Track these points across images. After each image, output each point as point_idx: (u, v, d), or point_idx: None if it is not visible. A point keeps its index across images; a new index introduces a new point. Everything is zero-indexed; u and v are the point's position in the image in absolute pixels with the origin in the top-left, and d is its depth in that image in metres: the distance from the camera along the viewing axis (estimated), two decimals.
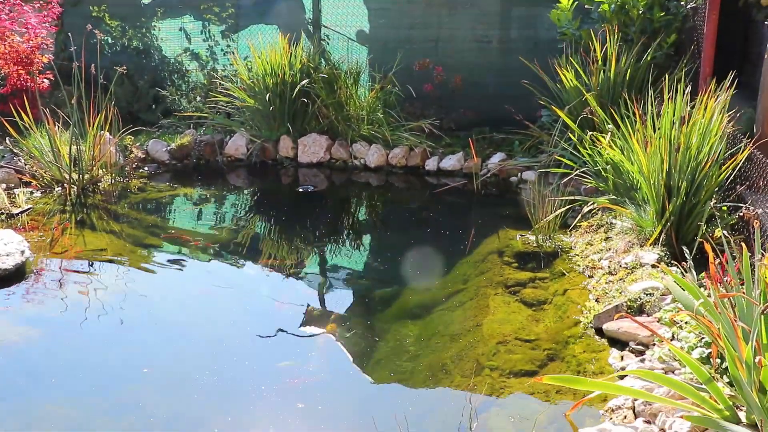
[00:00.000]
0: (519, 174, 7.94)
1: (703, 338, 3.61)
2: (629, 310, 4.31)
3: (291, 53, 8.76)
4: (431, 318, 4.87)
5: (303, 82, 8.62)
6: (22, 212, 6.82)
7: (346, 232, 7.02)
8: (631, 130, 5.52)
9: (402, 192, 8.20)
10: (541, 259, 5.72)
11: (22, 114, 7.51)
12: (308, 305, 5.16)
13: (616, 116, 6.05)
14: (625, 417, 3.29)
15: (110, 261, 5.91)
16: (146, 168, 8.45)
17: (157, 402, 3.79)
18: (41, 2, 9.25)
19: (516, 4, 9.11)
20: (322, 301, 5.35)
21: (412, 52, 9.11)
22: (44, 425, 3.57)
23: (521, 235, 6.18)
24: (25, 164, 7.65)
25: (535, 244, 6.00)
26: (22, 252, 5.49)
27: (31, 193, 7.36)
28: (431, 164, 8.46)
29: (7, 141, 7.84)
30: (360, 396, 3.95)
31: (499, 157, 8.20)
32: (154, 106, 9.67)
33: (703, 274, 4.31)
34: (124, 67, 8.28)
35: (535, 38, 8.96)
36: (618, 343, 4.16)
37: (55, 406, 3.75)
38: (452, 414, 3.63)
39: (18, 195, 7.09)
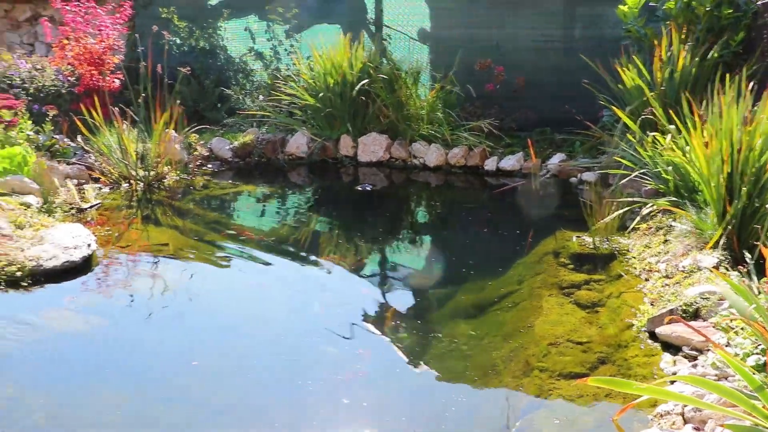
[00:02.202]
0: (579, 175, 7.85)
1: (759, 345, 3.52)
2: (684, 315, 4.23)
3: (352, 53, 8.83)
4: (484, 318, 4.87)
5: (363, 82, 8.68)
6: (90, 207, 7.04)
7: (403, 231, 7.05)
8: (692, 131, 5.41)
9: (460, 192, 8.20)
10: (597, 261, 5.65)
11: (93, 113, 7.75)
12: (364, 302, 5.21)
13: (677, 117, 5.93)
14: (673, 423, 3.24)
15: (172, 256, 6.06)
16: (209, 165, 8.62)
17: (209, 393, 3.88)
18: (114, 5, 9.54)
19: (580, 3, 9.01)
20: (377, 298, 5.39)
21: (473, 51, 9.09)
22: (101, 409, 3.69)
23: (578, 237, 6.11)
24: (95, 161, 7.89)
25: (591, 246, 5.93)
26: (89, 245, 5.68)
27: (100, 188, 7.60)
28: (490, 164, 8.43)
29: (79, 139, 8.10)
30: (408, 393, 3.98)
31: (559, 157, 8.12)
32: (218, 104, 9.87)
33: (764, 279, 4.20)
34: (188, 68, 8.48)
35: (598, 37, 8.85)
36: (671, 347, 4.10)
37: (112, 392, 3.87)
38: (499, 414, 3.63)
39: (87, 190, 7.33)
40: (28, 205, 6.50)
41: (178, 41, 10.31)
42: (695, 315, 4.23)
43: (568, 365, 4.03)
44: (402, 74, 8.86)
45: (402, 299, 5.39)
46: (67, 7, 9.11)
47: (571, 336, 4.38)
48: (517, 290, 5.26)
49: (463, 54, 8.90)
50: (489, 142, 8.54)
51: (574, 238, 6.11)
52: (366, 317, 4.95)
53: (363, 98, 8.81)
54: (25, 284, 5.17)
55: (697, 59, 6.98)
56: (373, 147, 8.84)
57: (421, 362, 4.26)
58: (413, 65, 9.04)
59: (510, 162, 8.32)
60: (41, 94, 8.68)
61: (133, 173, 7.71)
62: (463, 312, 4.99)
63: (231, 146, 8.89)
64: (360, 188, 8.15)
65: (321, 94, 8.86)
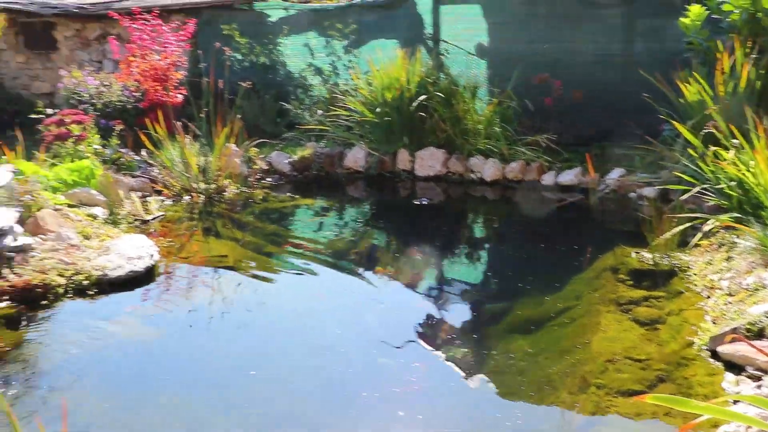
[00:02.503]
0: (638, 190, 7.72)
1: None
2: (748, 334, 4.13)
3: (409, 67, 8.87)
4: (541, 333, 4.82)
5: (421, 97, 8.71)
6: (153, 219, 7.21)
7: (460, 245, 7.04)
8: (757, 146, 5.29)
9: (517, 206, 8.15)
10: (657, 278, 5.55)
11: (157, 127, 7.94)
12: (419, 316, 5.21)
13: (741, 131, 5.81)
14: None
15: (231, 267, 6.16)
16: (269, 179, 8.73)
17: (265, 402, 3.93)
18: (178, 22, 9.77)
19: (641, 16, 8.89)
20: (433, 312, 5.39)
21: (531, 65, 9.03)
22: (160, 415, 3.77)
23: (637, 253, 6.01)
24: (158, 174, 8.07)
25: (651, 262, 5.83)
26: (152, 256, 5.81)
27: (163, 201, 7.76)
28: (548, 179, 8.35)
29: (143, 152, 8.30)
30: (463, 408, 3.96)
31: (618, 172, 8.01)
32: (278, 119, 10.00)
33: None
34: (249, 83, 8.62)
35: (658, 51, 8.71)
36: (734, 367, 4.00)
37: (171, 399, 3.95)
38: (554, 430, 3.59)
39: (151, 202, 7.50)
40: (94, 217, 6.69)
41: (239, 57, 10.50)
42: (760, 334, 4.12)
43: (626, 382, 3.97)
44: (459, 89, 8.87)
45: (458, 313, 5.38)
46: (134, 26, 9.37)
47: (630, 353, 4.32)
48: (574, 306, 5.20)
49: (520, 68, 8.86)
50: (547, 157, 8.47)
51: (633, 254, 6.01)
52: (421, 331, 4.95)
53: (420, 113, 8.83)
54: (92, 293, 5.32)
55: (762, 72, 6.82)
56: (430, 161, 8.85)
57: (477, 377, 4.24)
58: (471, 80, 9.04)
59: (568, 177, 8.24)
60: (108, 110, 8.93)
61: (195, 186, 7.86)
62: (520, 327, 4.96)
63: (290, 160, 8.99)
64: (417, 202, 8.16)
65: (378, 109, 8.92)
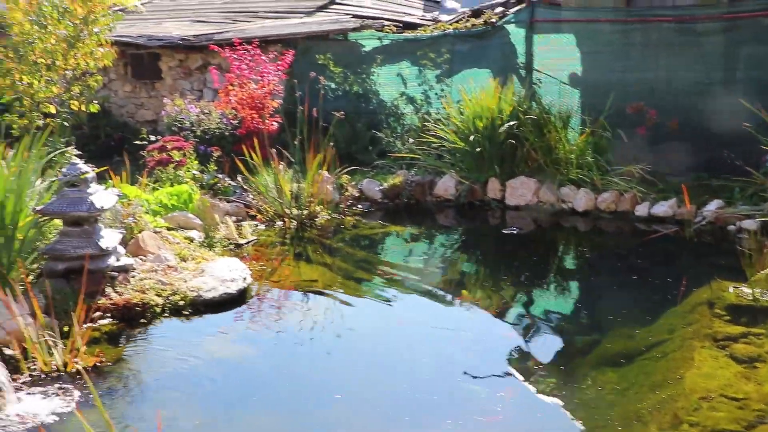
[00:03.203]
0: (737, 223, 7.45)
1: None
2: None
3: (501, 96, 8.86)
4: (632, 367, 4.70)
5: (511, 124, 8.68)
6: (247, 243, 7.39)
7: (550, 276, 6.95)
8: None
9: (610, 237, 8.00)
10: (757, 314, 5.33)
11: (253, 154, 8.16)
12: (507, 345, 5.17)
13: None
14: None
15: (321, 292, 6.25)
16: (360, 206, 8.82)
17: (349, 426, 3.97)
18: (276, 53, 10.06)
19: (743, 44, 8.64)
20: (521, 342, 5.33)
21: (625, 94, 8.88)
22: None
23: (735, 287, 5.79)
24: (253, 199, 8.28)
25: (750, 298, 5.61)
26: (245, 279, 5.97)
27: (256, 225, 7.95)
28: (642, 210, 8.16)
29: (239, 178, 8.54)
30: None
31: (716, 204, 7.76)
32: (370, 147, 10.12)
33: None
34: (342, 112, 8.78)
35: (759, 79, 8.44)
36: None
37: (257, 419, 4.05)
38: None
39: (245, 227, 7.70)
40: (191, 239, 6.92)
41: (333, 86, 10.69)
42: None
43: (722, 421, 3.83)
44: (551, 118, 8.80)
45: (546, 344, 5.30)
46: (234, 56, 9.69)
47: (726, 391, 4.16)
48: (667, 340, 5.05)
49: (614, 97, 8.72)
50: (640, 187, 8.29)
51: (731, 289, 5.80)
52: (509, 360, 4.91)
53: (511, 142, 8.79)
54: (187, 313, 5.50)
55: None
56: (521, 190, 8.78)
57: (565, 409, 4.17)
58: (563, 109, 8.96)
59: (662, 208, 8.03)
60: (207, 136, 9.24)
61: (288, 212, 8.03)
62: (609, 360, 4.85)
63: (381, 187, 9.08)
64: (507, 231, 8.11)
65: (470, 138, 8.92)
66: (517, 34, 9.84)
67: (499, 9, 11.12)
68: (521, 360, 4.95)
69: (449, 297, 6.22)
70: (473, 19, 11.09)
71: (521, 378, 4.57)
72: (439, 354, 5.03)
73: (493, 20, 10.36)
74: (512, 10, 10.50)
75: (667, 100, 8.86)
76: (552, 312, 6.03)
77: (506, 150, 8.87)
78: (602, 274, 6.99)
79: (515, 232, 8.07)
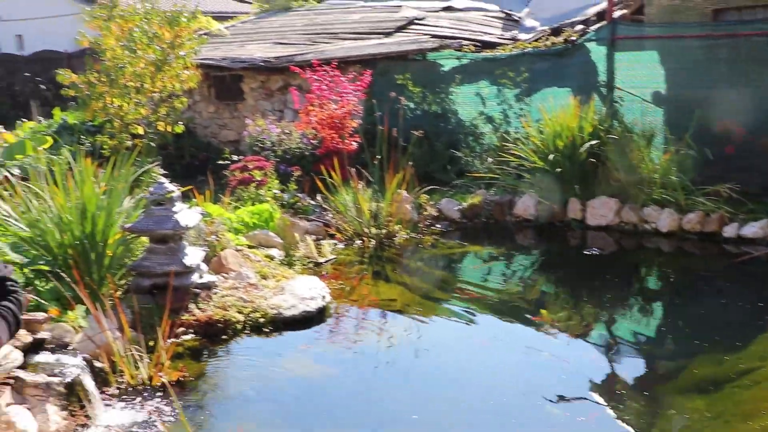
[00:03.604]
0: None
1: None
2: None
3: (582, 115, 8.74)
4: (720, 394, 4.55)
5: (592, 143, 8.55)
6: (326, 261, 7.46)
7: (632, 298, 6.79)
8: None
9: (695, 259, 7.75)
10: None
11: (332, 173, 8.25)
12: (588, 368, 5.07)
13: None
14: None
15: (399, 311, 6.25)
16: (438, 225, 8.79)
17: None
18: (355, 73, 10.17)
19: None
20: (602, 365, 5.23)
21: (711, 112, 8.61)
22: None
23: None
24: (332, 218, 8.36)
25: None
26: (324, 297, 6.02)
27: (335, 244, 8.02)
28: (730, 231, 7.89)
29: (319, 197, 8.65)
30: None
31: None
32: (448, 166, 10.10)
33: None
34: (422, 132, 8.79)
35: None
36: None
37: None
38: None
39: (324, 246, 7.77)
40: (271, 258, 7.02)
41: (412, 105, 10.71)
42: None
43: None
44: (634, 137, 8.62)
45: (629, 368, 5.18)
46: (314, 77, 9.84)
47: None
48: (759, 367, 4.87)
49: (700, 115, 8.48)
50: (728, 208, 8.02)
51: None
52: (590, 384, 4.81)
53: (592, 161, 8.65)
54: (267, 330, 5.58)
55: None
56: (602, 210, 8.61)
57: None
58: (646, 128, 8.77)
59: (752, 229, 7.75)
60: (287, 156, 9.39)
61: (366, 231, 8.08)
62: (696, 386, 4.70)
63: (459, 207, 9.04)
64: (587, 252, 7.95)
65: (550, 157, 8.82)
66: (598, 51, 9.69)
67: (580, 27, 11.00)
68: (603, 383, 4.84)
69: (529, 318, 6.14)
70: (553, 37, 11.00)
71: (602, 402, 4.47)
72: (518, 375, 4.97)
73: (573, 38, 10.24)
74: (593, 28, 10.37)
75: (756, 118, 8.55)
76: (635, 335, 5.88)
77: (587, 169, 8.73)
78: (688, 296, 6.78)
79: (596, 253, 7.91)
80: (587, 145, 8.58)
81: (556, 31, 11.32)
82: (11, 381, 4.13)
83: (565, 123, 8.77)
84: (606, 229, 8.51)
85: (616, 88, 9.34)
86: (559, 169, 8.74)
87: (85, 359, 4.60)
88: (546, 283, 7.43)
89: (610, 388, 4.77)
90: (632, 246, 8.20)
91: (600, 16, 11.10)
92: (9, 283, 1.93)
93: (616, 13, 10.28)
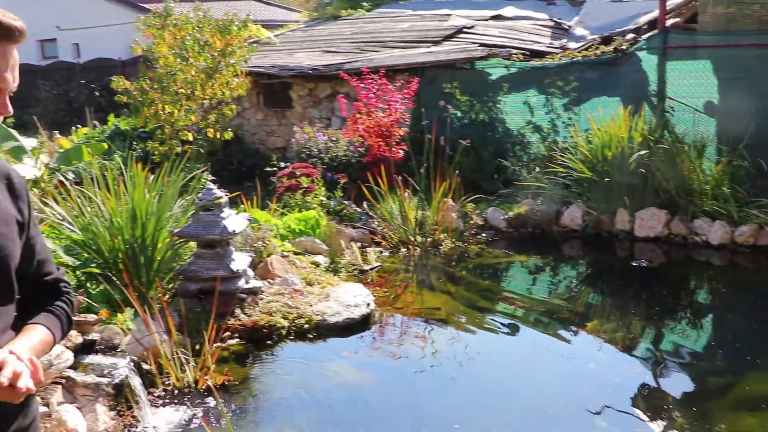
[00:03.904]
0: None
1: None
2: None
3: (632, 125, 8.64)
4: None
5: (642, 153, 8.44)
6: (371, 269, 7.48)
7: (681, 312, 6.68)
8: None
9: (748, 273, 7.58)
10: None
11: (379, 181, 8.27)
12: (634, 382, 4.99)
13: None
14: None
15: (443, 320, 6.24)
16: (484, 234, 8.75)
17: None
18: (402, 81, 10.19)
19: None
20: (649, 380, 5.14)
21: (767, 122, 8.43)
22: None
23: None
24: (378, 226, 8.39)
25: None
26: (368, 304, 6.04)
27: (381, 252, 8.04)
28: None
29: (365, 205, 8.68)
30: None
31: None
32: (495, 175, 10.05)
33: None
34: (469, 141, 8.77)
35: None
36: None
37: None
38: None
39: (369, 253, 7.79)
40: (317, 264, 7.07)
41: (459, 114, 10.69)
42: None
43: None
44: (685, 147, 8.48)
45: (677, 383, 5.09)
46: (362, 85, 9.89)
47: None
48: None
49: (755, 126, 8.30)
50: None
51: None
52: (636, 399, 4.74)
53: (642, 171, 8.54)
54: (311, 336, 5.62)
55: None
56: (650, 222, 8.49)
57: None
58: (697, 138, 8.62)
59: None
60: (334, 163, 9.45)
61: (412, 239, 8.08)
62: (748, 403, 4.60)
63: (505, 216, 8.99)
64: (635, 264, 7.84)
65: (598, 167, 8.72)
66: (649, 60, 9.58)
67: (630, 35, 10.87)
68: (649, 398, 4.77)
69: (574, 329, 6.08)
70: (603, 46, 10.88)
71: (648, 417, 4.40)
72: (562, 387, 4.92)
73: (624, 47, 10.12)
74: (644, 37, 10.24)
75: None
76: (683, 349, 5.78)
77: (636, 180, 8.61)
78: (739, 311, 6.64)
79: (644, 264, 7.79)
80: (637, 155, 8.47)
81: (606, 40, 11.20)
82: (63, 380, 4.23)
83: (614, 133, 8.67)
84: (654, 241, 8.39)
85: (668, 97, 9.21)
86: (607, 180, 8.64)
87: (133, 361, 4.68)
88: (592, 294, 7.34)
89: (656, 402, 4.69)
90: (681, 258, 8.06)
91: (652, 24, 10.96)
92: (62, 284, 1.99)
93: (669, 22, 10.13)
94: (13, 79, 1.80)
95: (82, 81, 18.47)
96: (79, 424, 3.95)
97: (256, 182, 8.70)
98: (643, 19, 11.67)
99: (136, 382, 4.52)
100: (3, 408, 1.73)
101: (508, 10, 14.33)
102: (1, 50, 1.74)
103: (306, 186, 8.42)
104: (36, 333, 1.85)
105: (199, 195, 5.92)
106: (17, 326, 1.85)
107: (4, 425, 1.78)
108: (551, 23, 13.58)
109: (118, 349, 4.78)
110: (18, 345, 1.73)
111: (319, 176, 8.77)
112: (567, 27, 13.26)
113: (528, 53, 11.29)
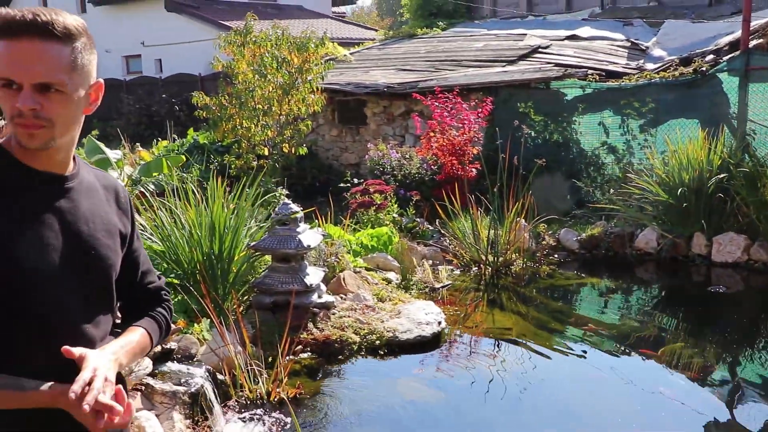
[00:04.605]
0: None
1: None
2: None
3: (711, 148, 8.43)
4: None
5: (721, 177, 8.23)
6: (442, 287, 7.46)
7: (759, 340, 6.45)
8: None
9: None
10: None
11: (452, 199, 8.25)
12: (709, 412, 4.84)
13: None
14: None
15: (514, 341, 6.17)
16: (556, 255, 8.64)
17: None
18: (476, 100, 10.18)
19: None
20: (724, 410, 4.98)
21: None
22: None
23: None
24: (449, 244, 8.37)
25: None
26: (439, 323, 6.03)
27: (452, 270, 8.01)
28: None
29: (437, 222, 8.67)
30: None
31: None
32: (568, 196, 9.94)
33: None
34: (543, 160, 8.69)
35: None
36: None
37: None
38: None
39: (441, 271, 7.78)
40: (388, 281, 7.09)
41: (533, 134, 10.61)
42: None
43: None
44: (767, 171, 8.23)
45: (754, 414, 4.91)
46: (436, 104, 9.91)
47: None
48: None
49: None
50: None
51: None
52: (709, 427, 4.59)
53: (720, 195, 8.32)
54: (382, 353, 5.63)
55: None
56: (729, 247, 8.25)
57: None
58: None
59: None
60: (407, 181, 9.48)
61: (483, 258, 8.03)
62: None
63: (578, 237, 8.86)
64: (712, 290, 7.62)
65: (674, 190, 8.53)
66: (729, 82, 9.36)
67: (710, 57, 10.64)
68: (723, 427, 4.62)
69: (645, 354, 5.93)
70: (682, 67, 10.67)
71: None
72: (633, 415, 4.81)
73: (704, 68, 9.91)
74: (725, 58, 10.01)
75: None
76: (762, 379, 5.58)
77: (714, 204, 8.40)
78: None
79: (721, 291, 7.57)
80: (715, 178, 8.27)
81: (685, 61, 10.98)
82: (142, 387, 4.34)
83: (692, 155, 8.48)
84: (733, 267, 8.14)
85: (749, 120, 8.97)
86: (684, 203, 8.44)
87: (208, 371, 4.77)
88: (666, 319, 7.16)
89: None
90: (761, 285, 7.80)
91: (733, 45, 10.69)
92: (163, 292, 2.08)
93: (752, 43, 9.87)
94: (80, 85, 1.73)
95: (164, 95, 19.00)
96: (157, 430, 4.03)
97: (330, 198, 8.79)
98: (724, 40, 11.38)
99: (211, 391, 4.60)
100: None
101: (584, 31, 14.18)
102: (32, 46, 1.65)
103: (379, 202, 8.46)
104: (136, 334, 1.93)
105: (276, 209, 6.00)
106: (116, 334, 1.93)
107: None
108: (628, 44, 13.37)
109: (195, 359, 4.87)
110: (114, 346, 1.80)
111: (392, 193, 8.81)
112: (644, 48, 13.03)
113: (604, 73, 11.14)
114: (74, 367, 1.66)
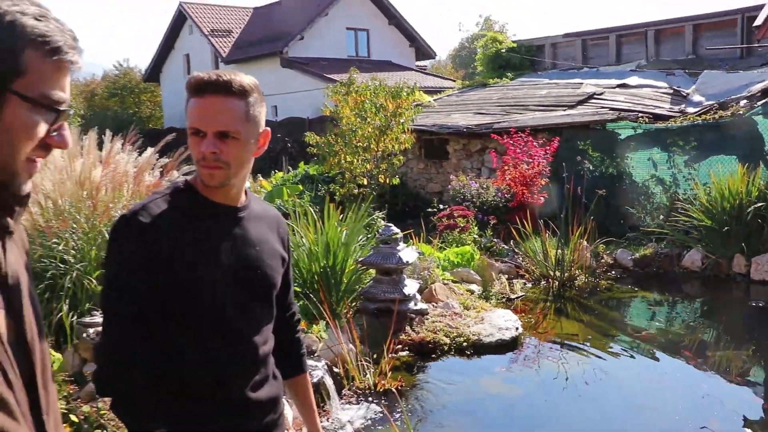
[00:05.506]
0: None
1: None
2: None
3: (749, 180, 8.05)
4: None
5: (758, 206, 7.84)
6: (516, 298, 7.32)
7: None
8: None
9: None
10: None
11: (524, 222, 8.11)
12: (750, 409, 4.57)
13: None
14: None
15: (578, 345, 5.99)
16: (613, 272, 8.38)
17: None
18: (544, 139, 10.01)
19: None
20: (760, 409, 4.69)
21: None
22: None
23: None
24: (522, 261, 8.21)
25: None
26: (517, 328, 5.91)
27: (524, 283, 7.86)
28: None
29: (511, 243, 8.53)
30: None
31: None
32: (622, 221, 9.65)
33: None
34: (603, 190, 8.46)
35: None
36: None
37: None
38: None
39: (515, 284, 7.64)
40: (471, 292, 6.99)
41: (591, 167, 10.35)
42: None
43: None
44: None
45: None
46: (510, 141, 9.79)
47: None
48: None
49: None
50: None
51: None
52: (750, 423, 4.33)
53: (758, 221, 7.92)
54: (468, 353, 5.54)
55: None
56: (766, 266, 7.83)
57: None
58: None
59: None
60: (485, 207, 9.37)
61: (551, 273, 7.84)
62: None
63: (632, 257, 8.58)
64: (753, 303, 7.23)
65: (717, 216, 8.17)
66: (764, 123, 8.93)
67: (744, 102, 10.19)
68: (763, 424, 4.34)
69: (693, 360, 5.66)
70: (720, 111, 10.25)
71: None
72: (683, 411, 4.60)
73: (741, 112, 9.49)
74: (759, 103, 9.57)
75: None
76: None
77: (752, 229, 8.00)
78: None
79: (761, 305, 7.18)
80: (753, 207, 7.89)
81: (722, 106, 10.54)
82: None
83: (732, 187, 8.12)
84: None
85: None
86: (725, 228, 8.08)
87: (327, 365, 4.78)
88: (709, 329, 6.83)
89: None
90: None
91: (765, 92, 10.26)
92: (296, 317, 2.13)
93: None
94: (252, 133, 1.72)
95: (278, 134, 19.40)
96: (288, 413, 4.06)
97: (421, 220, 8.76)
98: (756, 87, 10.89)
99: (329, 381, 4.61)
100: (264, 399, 1.78)
101: (632, 80, 13.79)
102: (215, 101, 1.66)
103: (462, 225, 8.38)
104: (310, 390, 2.16)
105: (380, 230, 6.01)
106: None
107: (261, 415, 1.80)
108: (671, 91, 12.92)
109: (315, 354, 4.89)
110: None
111: (473, 217, 8.72)
112: (685, 94, 12.57)
113: (651, 116, 10.79)
114: (247, 354, 1.75)
